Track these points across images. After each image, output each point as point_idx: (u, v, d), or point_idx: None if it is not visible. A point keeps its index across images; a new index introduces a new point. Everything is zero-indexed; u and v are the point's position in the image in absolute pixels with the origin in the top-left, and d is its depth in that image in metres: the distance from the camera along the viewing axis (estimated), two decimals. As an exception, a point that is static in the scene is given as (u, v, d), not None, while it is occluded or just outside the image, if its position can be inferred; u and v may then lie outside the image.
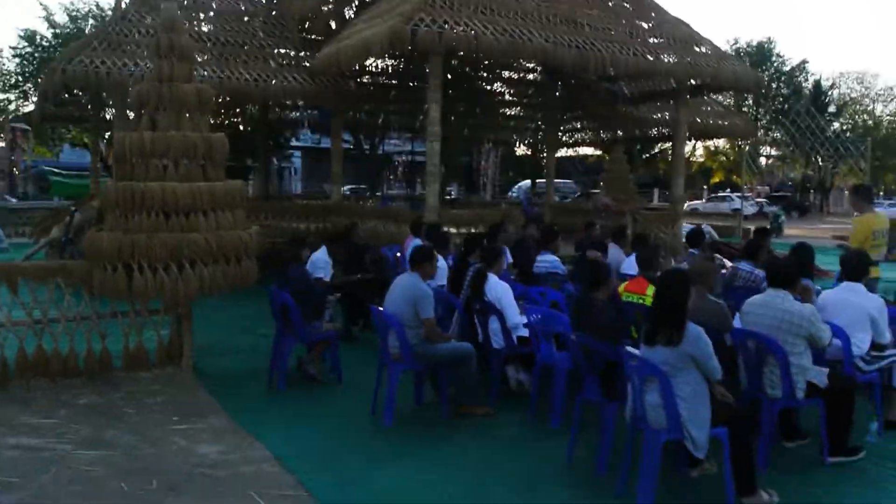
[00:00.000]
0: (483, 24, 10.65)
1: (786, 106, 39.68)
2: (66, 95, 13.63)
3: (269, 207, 13.96)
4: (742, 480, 4.54)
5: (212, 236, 6.98)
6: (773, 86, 43.50)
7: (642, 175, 42.61)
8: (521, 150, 30.50)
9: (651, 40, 12.32)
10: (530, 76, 17.16)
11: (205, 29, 12.96)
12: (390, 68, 16.54)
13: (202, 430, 5.78)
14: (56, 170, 27.65)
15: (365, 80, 15.70)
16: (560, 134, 19.03)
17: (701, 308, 5.71)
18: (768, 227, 11.08)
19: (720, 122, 16.69)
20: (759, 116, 42.99)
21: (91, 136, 19.94)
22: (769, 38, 43.68)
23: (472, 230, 11.21)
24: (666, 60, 11.99)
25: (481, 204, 20.40)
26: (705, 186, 45.14)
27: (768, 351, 5.10)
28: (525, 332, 6.46)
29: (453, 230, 11.15)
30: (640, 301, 6.48)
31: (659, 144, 37.99)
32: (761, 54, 43.20)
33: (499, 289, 6.54)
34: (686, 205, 34.38)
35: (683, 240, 13.58)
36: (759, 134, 40.72)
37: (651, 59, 11.75)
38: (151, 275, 6.79)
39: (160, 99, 7.14)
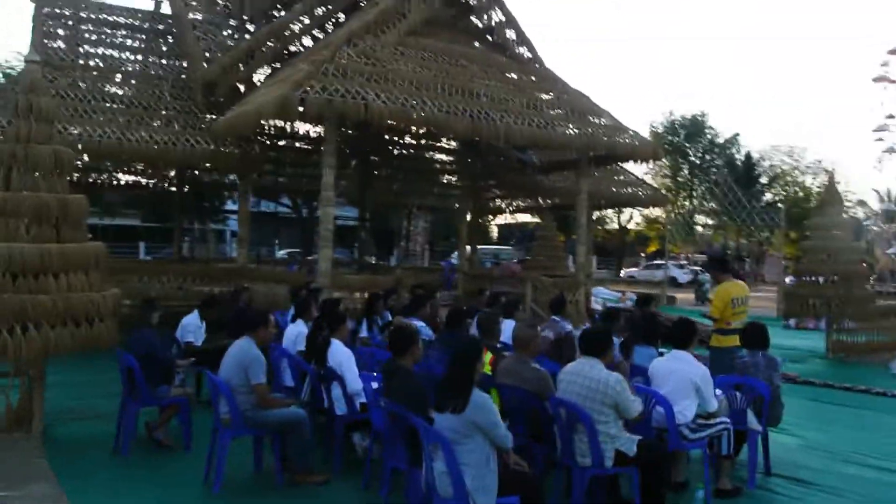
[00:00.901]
0: (375, 92, 10.88)
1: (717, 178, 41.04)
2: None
3: (175, 270, 13.85)
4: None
5: (60, 298, 6.91)
6: (707, 157, 44.91)
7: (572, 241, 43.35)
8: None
9: (550, 112, 12.67)
10: (449, 145, 17.51)
11: (115, 91, 12.98)
12: (310, 133, 16.82)
13: (18, 497, 5.62)
14: None
15: (281, 144, 15.90)
16: (480, 201, 19.44)
17: (520, 374, 5.82)
18: (648, 296, 11.24)
19: (630, 190, 17.11)
20: (693, 186, 44.23)
21: None
22: (702, 112, 45.29)
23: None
24: (561, 131, 12.31)
25: (380, 269, 20.48)
26: (643, 254, 45.96)
27: (577, 419, 5.16)
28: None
29: (345, 295, 11.21)
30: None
31: (597, 212, 38.79)
32: (695, 127, 44.64)
33: (340, 355, 6.53)
34: (624, 272, 35.06)
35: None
36: (693, 203, 41.88)
37: (546, 129, 12.07)
38: (-6, 335, 6.68)
39: (14, 159, 7.13)
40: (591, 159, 14.11)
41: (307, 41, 14.29)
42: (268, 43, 13.15)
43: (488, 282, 15.11)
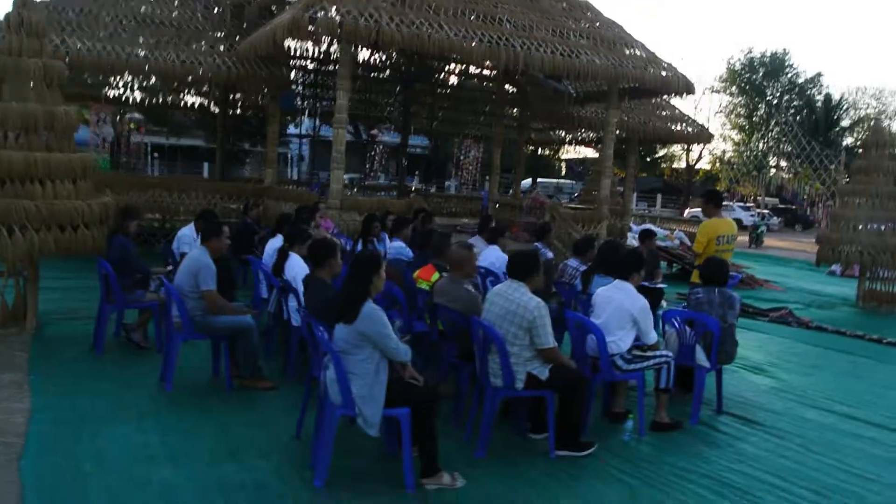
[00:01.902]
0: (390, 15, 10.79)
1: (797, 118, 39.24)
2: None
3: (205, 186, 14.30)
4: (425, 461, 4.67)
5: (44, 204, 7.27)
6: (786, 97, 42.85)
7: (646, 179, 42.38)
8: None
9: (577, 40, 12.32)
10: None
11: (142, 9, 13.24)
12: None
13: (-15, 383, 6.06)
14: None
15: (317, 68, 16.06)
16: (525, 132, 19.28)
17: (451, 294, 5.87)
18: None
19: (671, 126, 16.62)
20: (769, 127, 42.43)
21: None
22: (784, 50, 42.87)
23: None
24: (586, 60, 11.98)
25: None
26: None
27: (490, 340, 5.20)
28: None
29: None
30: (426, 287, 6.62)
31: (665, 148, 37.80)
32: (775, 64, 42.53)
33: (296, 269, 6.70)
34: (688, 211, 34.23)
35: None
36: (768, 144, 40.18)
37: (570, 58, 11.77)
38: (-17, 236, 7.12)
39: (4, 71, 7.43)
40: (622, 91, 13.74)
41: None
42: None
43: (517, 211, 15.09)
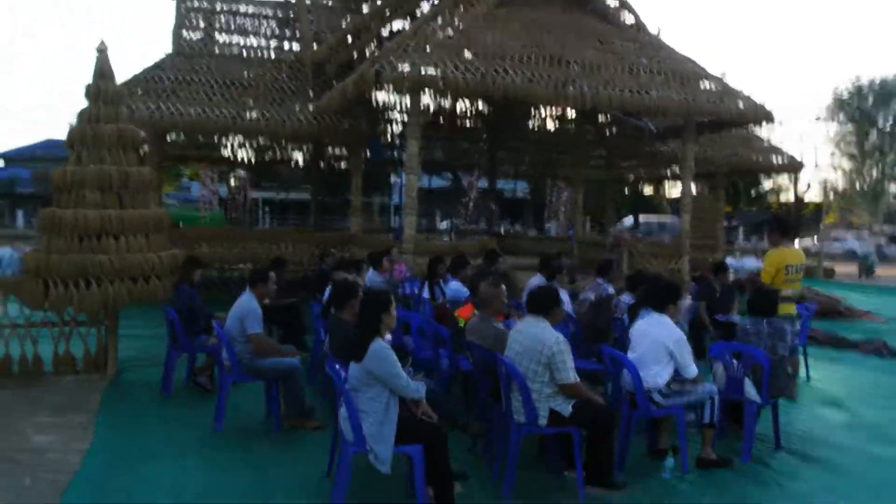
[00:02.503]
0: (455, 63, 11.06)
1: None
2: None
3: (292, 237, 14.93)
4: (440, 495, 4.69)
5: (117, 258, 7.80)
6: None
7: (750, 213, 40.79)
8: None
9: (647, 77, 12.22)
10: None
11: (237, 74, 14.09)
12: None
13: (55, 423, 6.50)
14: (175, 203, 30.36)
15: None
16: (613, 171, 19.18)
17: (481, 332, 5.89)
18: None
19: (758, 158, 16.12)
20: (884, 153, 40.09)
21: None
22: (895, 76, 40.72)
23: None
24: (657, 96, 11.85)
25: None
26: (822, 226, 42.51)
27: (512, 376, 5.18)
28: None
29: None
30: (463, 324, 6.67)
31: (770, 179, 36.48)
32: (885, 90, 40.41)
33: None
34: (797, 243, 32.74)
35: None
36: (884, 172, 38.01)
37: (639, 95, 11.68)
38: (63, 288, 7.70)
39: (83, 137, 8.09)
40: (700, 125, 13.50)
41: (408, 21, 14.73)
42: (371, 23, 13.64)
43: (600, 249, 14.91)
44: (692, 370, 5.71)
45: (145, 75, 13.34)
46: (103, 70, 8.33)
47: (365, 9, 15.24)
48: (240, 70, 14.23)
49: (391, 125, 19.70)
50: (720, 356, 6.18)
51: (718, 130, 14.12)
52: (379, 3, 13.80)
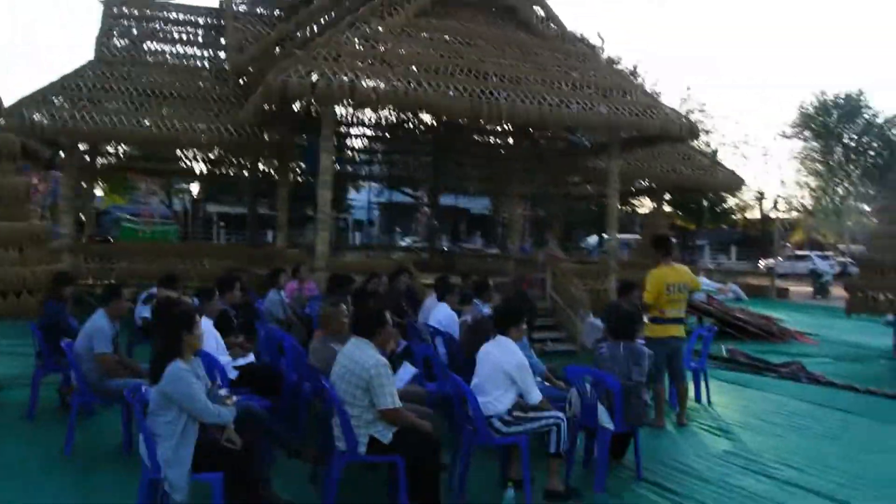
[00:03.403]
0: (367, 74, 10.87)
1: (879, 160, 37.22)
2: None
3: (214, 252, 14.68)
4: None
5: (-19, 271, 7.52)
6: (864, 139, 40.67)
7: (718, 232, 40.83)
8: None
9: (568, 89, 12.05)
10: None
11: (159, 82, 13.80)
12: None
13: None
14: (130, 217, 29.91)
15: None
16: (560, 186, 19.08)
17: (317, 352, 5.67)
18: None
19: (697, 174, 16.00)
20: (849, 171, 40.25)
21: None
22: (860, 90, 40.84)
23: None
24: (576, 110, 11.69)
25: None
26: (787, 244, 42.54)
27: (331, 400, 4.94)
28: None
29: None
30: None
31: (732, 198, 36.53)
32: (850, 106, 40.56)
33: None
34: (763, 263, 32.78)
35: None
36: (848, 189, 38.12)
37: (558, 108, 11.51)
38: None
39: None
40: (631, 140, 13.40)
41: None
42: (297, 33, 13.41)
43: (533, 267, 14.72)
44: (535, 396, 5.48)
45: (63, 82, 13.02)
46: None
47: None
48: (164, 79, 13.95)
49: (349, 139, 19.67)
50: (575, 381, 5.96)
51: (649, 145, 13.98)
52: (306, 13, 13.52)
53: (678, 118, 12.47)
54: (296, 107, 12.99)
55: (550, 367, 6.93)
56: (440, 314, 8.26)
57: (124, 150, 18.27)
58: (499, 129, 17.31)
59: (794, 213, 41.14)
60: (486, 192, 22.85)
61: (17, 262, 7.80)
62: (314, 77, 10.49)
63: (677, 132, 12.41)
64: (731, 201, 36.64)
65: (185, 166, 20.37)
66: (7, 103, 12.14)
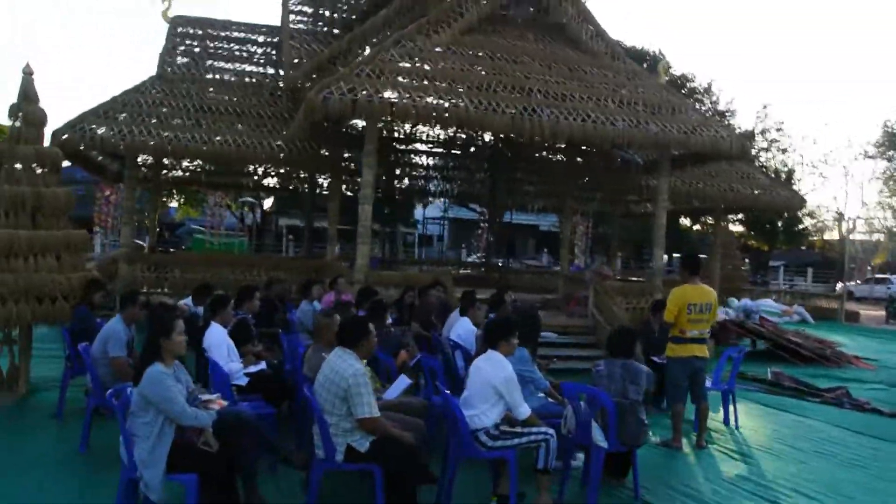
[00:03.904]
0: (409, 91, 11.02)
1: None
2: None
3: (266, 263, 15.02)
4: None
5: (22, 277, 7.91)
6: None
7: (799, 252, 39.37)
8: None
9: (616, 107, 11.93)
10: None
11: (218, 99, 14.32)
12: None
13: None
14: (202, 228, 30.99)
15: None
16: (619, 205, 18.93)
17: (310, 361, 5.77)
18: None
19: (754, 192, 15.56)
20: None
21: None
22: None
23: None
24: (622, 127, 11.55)
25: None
26: (870, 267, 40.65)
27: (311, 409, 5.03)
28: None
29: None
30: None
31: (809, 219, 35.27)
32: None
33: (212, 337, 6.82)
34: (840, 286, 31.56)
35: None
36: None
37: (603, 125, 11.40)
38: (-32, 306, 7.85)
39: (1, 156, 8.29)
40: (680, 158, 13.17)
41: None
42: (349, 51, 13.68)
43: (581, 285, 14.57)
44: (523, 411, 5.44)
45: (124, 98, 13.63)
46: (27, 92, 8.53)
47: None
48: (221, 95, 14.45)
49: (417, 156, 19.98)
50: (570, 398, 5.88)
51: (700, 163, 13.67)
52: (360, 32, 13.80)
53: (729, 136, 12.15)
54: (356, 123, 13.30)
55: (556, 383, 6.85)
56: (461, 328, 8.30)
57: (188, 165, 18.90)
58: (554, 146, 17.22)
59: (876, 236, 39.43)
60: (545, 209, 22.72)
61: (55, 269, 8.17)
62: (356, 94, 10.66)
63: (728, 150, 12.10)
64: (808, 222, 35.44)
65: (249, 181, 21.09)
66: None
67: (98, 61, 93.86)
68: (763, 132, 34.71)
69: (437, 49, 12.05)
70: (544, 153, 18.56)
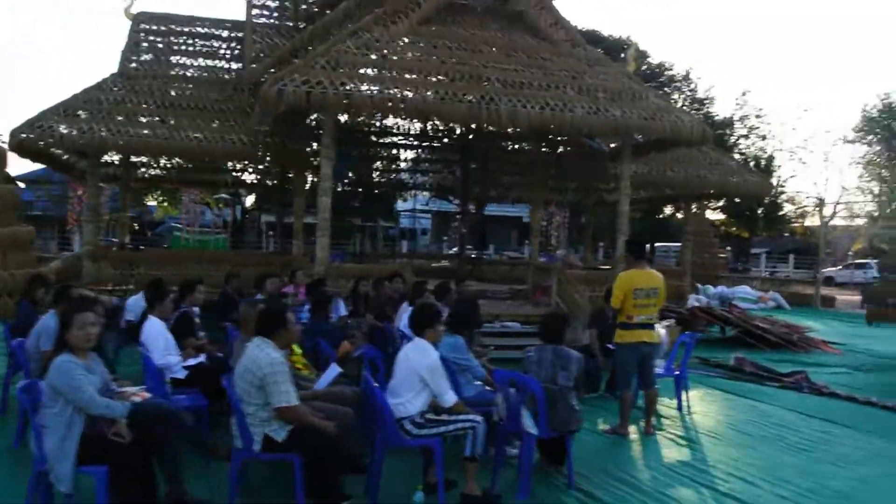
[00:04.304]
0: (365, 81, 10.96)
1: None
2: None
3: (232, 259, 14.98)
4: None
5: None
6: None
7: (781, 238, 39.43)
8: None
9: (575, 94, 11.89)
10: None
11: (178, 94, 14.22)
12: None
13: None
14: (180, 226, 30.84)
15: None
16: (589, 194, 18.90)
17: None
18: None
19: (729, 179, 15.55)
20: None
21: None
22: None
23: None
24: (581, 114, 11.51)
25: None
26: (851, 252, 40.74)
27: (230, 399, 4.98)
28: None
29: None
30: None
31: (789, 205, 35.35)
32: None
33: (149, 329, 6.76)
34: (821, 272, 31.66)
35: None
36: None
37: (561, 112, 11.35)
38: None
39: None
40: (644, 145, 13.16)
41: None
42: (311, 44, 13.59)
43: (548, 274, 14.54)
44: (448, 398, 5.40)
45: (84, 96, 13.50)
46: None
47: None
48: (184, 91, 14.34)
49: (393, 150, 19.91)
50: (500, 385, 5.84)
51: (663, 150, 13.63)
52: (321, 25, 13.70)
53: (690, 122, 12.11)
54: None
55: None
56: (409, 318, 8.24)
57: (163, 162, 18.77)
58: (525, 136, 17.18)
59: (857, 221, 39.59)
60: (521, 200, 22.70)
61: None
62: (311, 85, 10.59)
63: (688, 136, 12.05)
64: (789, 208, 35.54)
65: (226, 178, 20.92)
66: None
67: (99, 61, 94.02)
68: (742, 119, 34.72)
69: (395, 40, 11.96)
70: (516, 144, 18.49)
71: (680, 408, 8.57)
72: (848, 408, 9.10)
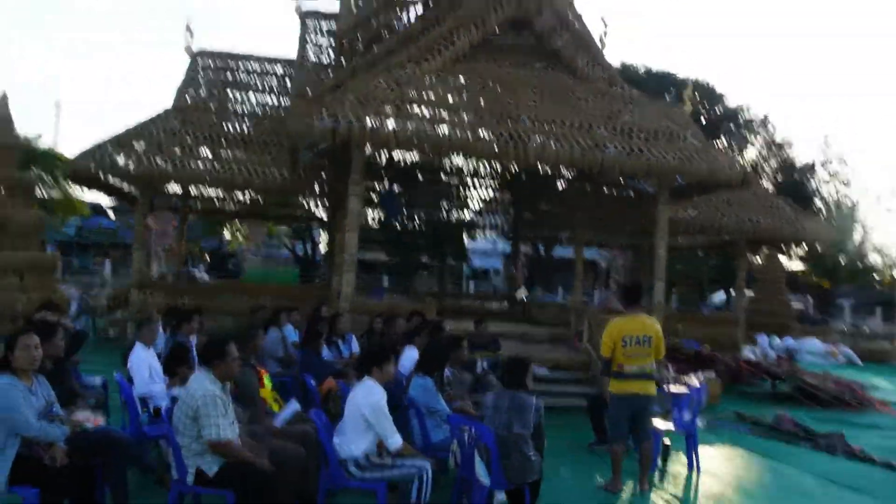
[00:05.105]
0: (392, 116, 11.01)
1: None
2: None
3: (274, 291, 15.17)
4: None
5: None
6: None
7: (874, 290, 37.41)
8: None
9: (610, 133, 11.63)
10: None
11: (227, 128, 14.67)
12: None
13: None
14: (251, 258, 31.63)
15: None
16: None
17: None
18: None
19: (777, 223, 14.89)
20: None
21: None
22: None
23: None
24: (614, 153, 11.25)
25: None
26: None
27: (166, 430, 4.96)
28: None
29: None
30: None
31: (876, 256, 33.63)
32: None
33: (134, 357, 6.84)
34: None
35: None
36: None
37: (591, 151, 11.12)
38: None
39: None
40: (686, 187, 12.75)
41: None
42: (353, 79, 13.77)
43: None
44: (393, 441, 5.25)
45: (138, 129, 14.05)
46: (2, 115, 8.89)
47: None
48: (234, 124, 14.77)
49: (464, 188, 19.90)
50: (455, 431, 5.63)
51: (704, 192, 13.16)
52: (363, 61, 13.91)
53: (730, 163, 11.68)
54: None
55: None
56: (405, 357, 8.12)
57: (226, 194, 19.23)
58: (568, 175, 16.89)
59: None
60: (572, 241, 22.32)
61: (16, 288, 8.43)
62: (337, 120, 10.69)
63: (727, 178, 11.62)
64: (874, 258, 33.74)
65: (297, 212, 21.23)
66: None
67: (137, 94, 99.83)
68: (824, 164, 33.33)
69: (427, 76, 12.00)
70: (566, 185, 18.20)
71: (690, 466, 8.06)
72: (881, 475, 8.40)
